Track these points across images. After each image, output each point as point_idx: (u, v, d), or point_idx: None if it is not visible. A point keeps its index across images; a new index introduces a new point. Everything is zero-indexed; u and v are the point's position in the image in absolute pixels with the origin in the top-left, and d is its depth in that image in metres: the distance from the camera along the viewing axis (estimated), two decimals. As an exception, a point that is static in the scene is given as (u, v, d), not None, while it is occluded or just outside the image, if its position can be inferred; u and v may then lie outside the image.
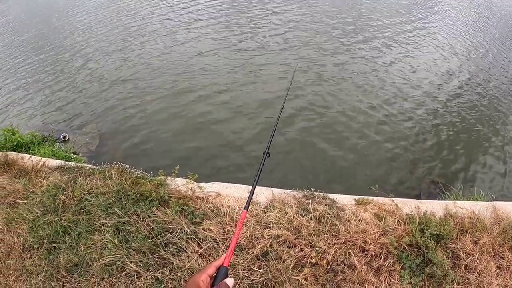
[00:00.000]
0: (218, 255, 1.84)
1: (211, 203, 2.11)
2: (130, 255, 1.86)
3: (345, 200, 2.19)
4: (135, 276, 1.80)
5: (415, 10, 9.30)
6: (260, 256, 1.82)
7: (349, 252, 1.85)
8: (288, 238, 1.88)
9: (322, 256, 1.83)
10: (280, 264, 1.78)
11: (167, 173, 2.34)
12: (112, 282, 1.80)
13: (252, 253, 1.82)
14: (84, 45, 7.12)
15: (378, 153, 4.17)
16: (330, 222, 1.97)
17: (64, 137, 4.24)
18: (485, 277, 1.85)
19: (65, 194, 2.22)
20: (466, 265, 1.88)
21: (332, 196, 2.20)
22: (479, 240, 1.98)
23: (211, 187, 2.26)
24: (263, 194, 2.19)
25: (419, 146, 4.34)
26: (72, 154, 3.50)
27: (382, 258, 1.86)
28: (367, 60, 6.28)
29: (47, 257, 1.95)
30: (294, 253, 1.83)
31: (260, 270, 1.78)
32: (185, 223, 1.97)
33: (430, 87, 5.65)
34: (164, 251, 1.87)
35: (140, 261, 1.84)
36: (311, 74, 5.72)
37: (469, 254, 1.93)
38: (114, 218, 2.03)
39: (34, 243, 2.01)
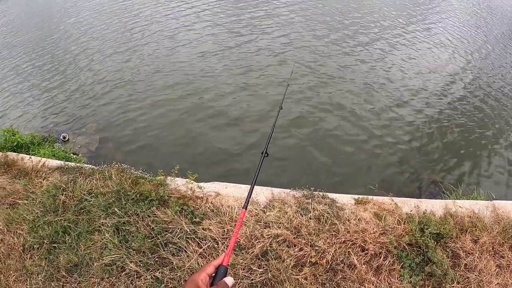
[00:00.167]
0: (218, 255, 1.84)
1: (211, 202, 2.11)
2: (130, 255, 1.86)
3: (345, 199, 2.19)
4: (135, 276, 1.80)
5: (416, 10, 9.29)
6: (259, 256, 1.82)
7: (348, 252, 1.85)
8: (287, 237, 1.88)
9: (322, 255, 1.83)
10: (279, 264, 1.79)
11: (167, 173, 2.34)
12: (112, 282, 1.80)
13: (252, 253, 1.82)
14: (84, 46, 7.13)
15: (378, 152, 4.17)
16: (329, 221, 1.97)
17: (64, 137, 4.24)
18: (485, 276, 1.85)
19: (65, 194, 2.22)
20: (466, 264, 1.88)
21: (332, 195, 2.20)
22: (479, 239, 1.98)
23: (211, 187, 2.26)
24: (262, 193, 2.20)
25: (419, 145, 4.34)
26: (72, 155, 3.50)
27: (382, 257, 1.86)
28: (369, 61, 6.28)
29: (47, 257, 1.95)
30: (294, 252, 1.83)
31: (260, 270, 1.78)
32: (185, 223, 1.97)
33: (431, 88, 5.64)
34: (164, 251, 1.88)
35: (140, 261, 1.84)
36: (312, 74, 5.72)
37: (469, 253, 1.93)
38: (114, 218, 2.03)
39: (34, 243, 2.01)
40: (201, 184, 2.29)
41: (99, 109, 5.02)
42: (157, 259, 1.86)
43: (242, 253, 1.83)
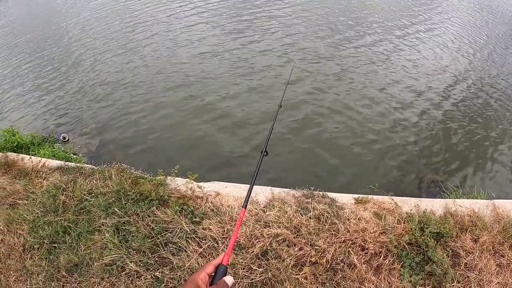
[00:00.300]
0: (218, 254, 1.84)
1: (211, 202, 2.12)
2: (130, 254, 1.87)
3: (345, 199, 2.19)
4: (135, 276, 1.80)
5: (418, 11, 9.28)
6: (259, 255, 1.82)
7: (348, 251, 1.85)
8: (287, 237, 1.88)
9: (322, 255, 1.83)
10: (279, 263, 1.79)
11: (166, 173, 2.34)
12: (112, 281, 1.81)
13: (251, 252, 1.82)
14: (85, 47, 7.12)
15: (378, 152, 4.17)
16: (329, 221, 1.97)
17: (64, 138, 4.24)
18: (485, 275, 1.85)
19: (65, 194, 2.22)
20: (466, 263, 1.88)
21: (332, 195, 2.20)
22: (479, 238, 1.98)
23: (211, 187, 2.27)
24: (262, 193, 2.20)
25: (419, 145, 4.34)
26: (72, 155, 3.50)
27: (382, 256, 1.86)
28: (371, 62, 6.27)
29: (48, 257, 1.95)
30: (294, 252, 1.83)
31: (260, 269, 1.78)
32: (185, 222, 1.97)
33: (433, 88, 5.64)
34: (164, 250, 1.88)
35: (140, 261, 1.84)
36: (313, 75, 5.72)
37: (469, 252, 1.93)
38: (114, 218, 2.03)
39: (35, 243, 2.01)
40: (201, 183, 2.29)
41: (99, 110, 5.02)
42: (157, 259, 1.86)
43: (242, 253, 1.83)
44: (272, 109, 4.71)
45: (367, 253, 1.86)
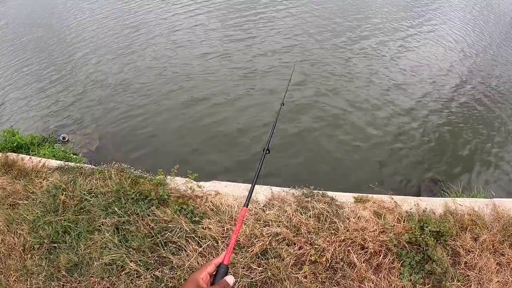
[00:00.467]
0: (218, 254, 1.84)
1: (211, 202, 2.12)
2: (130, 254, 1.87)
3: (344, 198, 2.19)
4: (135, 275, 1.81)
5: (416, 9, 9.27)
6: (259, 254, 1.83)
7: (348, 250, 1.85)
8: (287, 236, 1.88)
9: (322, 254, 1.83)
10: (279, 262, 1.79)
11: (166, 173, 2.34)
12: (112, 281, 1.81)
13: (251, 252, 1.82)
14: (85, 48, 7.12)
15: (378, 151, 4.16)
16: (329, 220, 1.98)
17: (64, 138, 4.25)
18: (485, 274, 1.85)
19: (65, 194, 2.22)
20: (466, 262, 1.88)
21: (331, 194, 2.20)
22: (479, 237, 1.98)
23: (210, 186, 2.27)
24: (262, 192, 2.20)
25: (419, 144, 4.34)
26: (72, 155, 3.50)
27: (382, 255, 1.86)
28: (369, 60, 6.26)
29: (48, 257, 1.96)
30: (294, 251, 1.83)
31: (260, 268, 1.78)
32: (185, 222, 1.97)
33: (432, 86, 5.63)
34: (164, 250, 1.88)
35: (140, 260, 1.84)
36: (313, 73, 5.71)
37: (469, 251, 1.93)
38: (113, 218, 2.03)
39: (35, 243, 2.02)
40: (201, 183, 2.29)
41: (100, 110, 5.02)
42: (157, 258, 1.86)
43: (242, 252, 1.83)
44: (274, 109, 4.70)
45: (367, 252, 1.86)
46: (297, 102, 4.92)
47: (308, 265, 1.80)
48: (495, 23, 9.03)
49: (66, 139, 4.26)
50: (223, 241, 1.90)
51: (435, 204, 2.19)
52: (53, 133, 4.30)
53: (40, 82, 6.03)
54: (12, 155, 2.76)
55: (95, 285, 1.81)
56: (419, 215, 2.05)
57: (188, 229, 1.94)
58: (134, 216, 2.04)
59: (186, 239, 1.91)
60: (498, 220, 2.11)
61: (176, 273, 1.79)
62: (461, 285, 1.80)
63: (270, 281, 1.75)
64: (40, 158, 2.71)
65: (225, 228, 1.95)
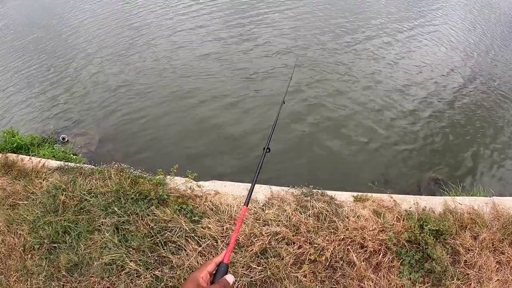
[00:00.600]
0: (217, 253, 1.84)
1: (210, 201, 2.12)
2: (130, 254, 1.87)
3: (344, 197, 2.19)
4: (135, 275, 1.81)
5: (416, 8, 9.26)
6: (259, 254, 1.83)
7: (348, 249, 1.85)
8: (286, 235, 1.88)
9: (321, 253, 1.83)
10: (279, 261, 1.79)
11: (166, 172, 2.34)
12: (112, 281, 1.81)
13: (251, 251, 1.83)
14: (85, 49, 7.12)
15: (377, 150, 4.16)
16: (328, 219, 1.98)
17: (64, 138, 4.25)
18: (485, 272, 1.85)
19: (65, 194, 2.23)
20: (466, 260, 1.88)
21: (331, 193, 2.20)
22: (478, 235, 1.98)
23: (210, 186, 2.27)
24: (261, 192, 2.20)
25: (418, 143, 4.33)
26: (72, 155, 3.51)
27: (381, 254, 1.86)
28: (370, 60, 6.25)
29: (48, 257, 1.96)
30: (293, 250, 1.83)
31: (259, 268, 1.78)
32: (184, 221, 1.97)
33: (432, 85, 5.62)
34: (164, 249, 1.88)
35: (139, 260, 1.85)
36: (314, 73, 5.71)
37: (468, 249, 1.93)
38: (113, 218, 2.04)
39: (35, 243, 2.02)
40: (200, 182, 2.30)
41: (99, 111, 5.03)
42: (156, 258, 1.87)
43: (241, 251, 1.83)
44: (276, 110, 4.67)
45: (366, 251, 1.86)
46: (298, 102, 4.91)
47: (308, 264, 1.80)
48: (495, 22, 9.02)
49: (66, 139, 4.27)
50: (223, 241, 1.90)
51: (434, 203, 2.19)
52: (53, 134, 4.30)
53: (40, 83, 6.04)
54: (12, 156, 2.76)
55: (95, 285, 1.81)
56: (419, 214, 2.05)
57: (187, 229, 1.94)
58: (134, 216, 2.04)
59: (185, 238, 1.92)
60: (498, 219, 2.11)
61: (176, 273, 1.79)
62: (461, 283, 1.80)
63: (269, 280, 1.75)
64: (40, 159, 2.72)
65: (225, 228, 1.95)
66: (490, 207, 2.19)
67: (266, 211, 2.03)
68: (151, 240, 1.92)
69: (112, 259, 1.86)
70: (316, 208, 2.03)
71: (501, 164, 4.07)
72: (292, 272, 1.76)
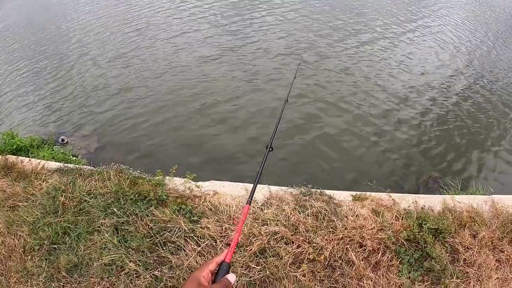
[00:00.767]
0: (216, 253, 1.85)
1: (209, 201, 2.12)
2: (129, 254, 1.88)
3: (342, 196, 2.19)
4: (135, 275, 1.81)
5: (417, 8, 9.25)
6: (257, 253, 1.83)
7: (346, 248, 1.86)
8: (285, 234, 1.89)
9: (320, 252, 1.83)
10: (278, 261, 1.79)
11: (165, 173, 2.35)
12: (112, 281, 1.82)
13: (250, 250, 1.83)
14: (84, 51, 7.12)
15: (377, 149, 4.16)
16: (327, 218, 1.98)
17: (63, 140, 4.26)
18: (484, 270, 1.84)
19: (64, 195, 2.23)
20: (465, 259, 1.88)
21: (329, 192, 2.20)
22: (478, 234, 1.98)
23: (209, 186, 2.27)
24: (260, 191, 2.20)
25: (417, 142, 4.33)
26: (71, 157, 3.52)
27: (380, 253, 1.86)
28: (372, 60, 6.25)
29: (48, 258, 1.97)
30: (292, 249, 1.84)
31: (258, 267, 1.78)
32: (183, 222, 1.98)
33: (434, 86, 5.61)
34: (163, 250, 1.89)
35: (139, 260, 1.85)
36: (315, 73, 5.70)
37: (468, 248, 1.92)
38: (113, 218, 2.04)
39: (35, 244, 2.03)
40: (199, 183, 2.30)
41: (99, 112, 5.03)
42: (156, 258, 1.87)
43: (240, 251, 1.84)
44: (277, 111, 4.66)
45: (365, 250, 1.87)
46: (298, 102, 4.91)
47: (307, 264, 1.80)
48: (496, 21, 9.00)
49: (65, 141, 4.28)
50: (222, 241, 1.90)
51: (433, 202, 2.19)
52: (52, 136, 4.31)
53: (40, 85, 6.05)
54: (12, 158, 2.77)
55: (95, 285, 1.82)
56: (418, 213, 2.05)
57: (186, 229, 1.94)
58: (133, 216, 2.04)
59: (184, 238, 1.92)
60: (497, 217, 2.10)
61: (175, 273, 1.79)
62: (460, 282, 1.80)
63: (268, 280, 1.75)
64: (39, 160, 2.72)
65: (224, 228, 1.96)
66: (489, 205, 2.18)
67: (265, 211, 2.03)
68: (150, 240, 1.93)
69: (112, 259, 1.86)
70: (314, 208, 2.03)
71: (500, 163, 4.06)
72: (291, 272, 1.77)
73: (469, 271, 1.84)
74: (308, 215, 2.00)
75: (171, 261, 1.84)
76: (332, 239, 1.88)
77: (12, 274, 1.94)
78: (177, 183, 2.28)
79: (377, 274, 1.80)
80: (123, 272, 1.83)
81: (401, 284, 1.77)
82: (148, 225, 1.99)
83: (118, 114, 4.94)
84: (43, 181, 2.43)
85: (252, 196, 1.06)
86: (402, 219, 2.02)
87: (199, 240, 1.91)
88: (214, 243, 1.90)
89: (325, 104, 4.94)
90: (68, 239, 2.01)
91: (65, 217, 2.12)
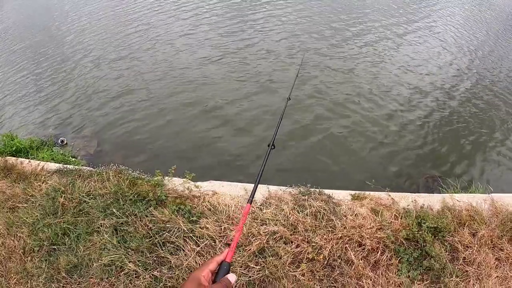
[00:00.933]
0: (215, 253, 1.85)
1: (208, 201, 2.12)
2: (129, 255, 1.88)
3: (341, 195, 2.19)
4: (134, 276, 1.82)
5: (418, 8, 9.24)
6: (257, 253, 1.83)
7: (345, 247, 1.86)
8: (284, 234, 1.89)
9: (319, 251, 1.83)
10: (277, 261, 1.79)
11: (164, 173, 2.35)
12: (112, 282, 1.82)
13: (249, 250, 1.83)
14: (84, 52, 7.12)
15: (376, 148, 4.16)
16: (326, 217, 1.98)
17: (62, 141, 4.27)
18: (484, 269, 1.84)
19: (64, 196, 2.24)
20: (465, 257, 1.88)
21: (328, 191, 2.20)
22: (477, 232, 1.98)
23: (208, 186, 2.28)
24: (259, 191, 2.20)
25: (417, 141, 4.33)
26: (71, 158, 3.52)
27: (379, 252, 1.86)
28: (374, 60, 6.24)
29: (47, 259, 1.97)
30: (291, 249, 1.84)
31: (257, 267, 1.78)
32: (182, 222, 1.98)
33: (434, 85, 5.61)
34: (162, 250, 1.89)
35: (138, 261, 1.85)
36: (316, 73, 5.70)
37: (467, 246, 1.92)
38: (112, 219, 2.05)
39: (35, 245, 2.03)
40: (198, 183, 2.30)
41: (99, 114, 5.03)
42: (155, 259, 1.87)
43: (239, 251, 1.84)
44: (277, 112, 4.66)
45: (364, 249, 1.86)
46: (298, 102, 4.91)
47: (306, 263, 1.80)
48: (496, 21, 8.99)
49: (65, 142, 4.28)
50: (221, 240, 1.90)
51: (432, 200, 2.19)
52: (52, 137, 4.32)
53: (39, 86, 6.06)
54: (11, 159, 2.78)
55: (94, 286, 1.82)
56: (417, 212, 2.05)
57: (186, 229, 1.94)
58: (132, 217, 2.05)
59: (184, 239, 1.92)
60: (497, 215, 2.10)
61: (175, 273, 1.80)
62: (460, 280, 1.80)
63: (268, 280, 1.75)
64: (39, 162, 2.73)
65: (223, 228, 1.96)
66: (488, 204, 2.18)
67: (264, 211, 2.03)
68: (150, 240, 1.93)
69: (111, 260, 1.86)
70: (313, 207, 2.03)
71: (500, 163, 4.05)
72: (290, 271, 1.77)
73: (469, 269, 1.84)
74: (307, 215, 2.00)
75: (171, 261, 1.84)
76: (331, 239, 1.88)
77: (12, 275, 1.95)
78: (176, 184, 2.29)
79: (376, 273, 1.80)
80: (122, 273, 1.83)
81: (400, 283, 1.77)
82: (147, 226, 1.99)
83: (118, 115, 4.95)
84: (43, 182, 2.44)
85: (254, 195, 1.05)
86: (401, 218, 2.02)
87: (198, 240, 1.92)
88: (213, 243, 1.90)
89: (328, 104, 4.92)
90: (68, 240, 2.02)
91: (65, 218, 2.12)
